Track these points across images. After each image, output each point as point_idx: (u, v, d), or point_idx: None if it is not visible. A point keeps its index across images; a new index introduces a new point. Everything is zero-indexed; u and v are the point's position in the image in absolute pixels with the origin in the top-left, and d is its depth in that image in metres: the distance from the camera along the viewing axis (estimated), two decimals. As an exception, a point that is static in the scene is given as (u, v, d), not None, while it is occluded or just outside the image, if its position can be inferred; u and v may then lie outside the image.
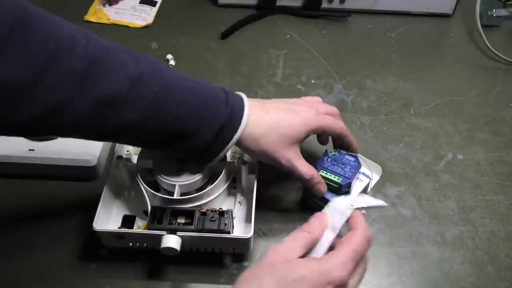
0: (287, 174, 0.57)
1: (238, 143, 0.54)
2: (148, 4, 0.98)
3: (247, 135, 0.54)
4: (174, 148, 0.54)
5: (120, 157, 0.63)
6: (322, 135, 0.64)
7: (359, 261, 0.44)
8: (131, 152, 0.66)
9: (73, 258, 0.62)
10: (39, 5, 0.46)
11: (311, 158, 0.72)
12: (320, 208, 0.64)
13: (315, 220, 0.47)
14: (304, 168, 0.57)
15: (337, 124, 0.59)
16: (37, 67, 0.41)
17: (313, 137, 0.75)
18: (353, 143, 0.62)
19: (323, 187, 0.59)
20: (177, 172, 0.60)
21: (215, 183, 0.60)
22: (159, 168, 0.60)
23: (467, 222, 0.65)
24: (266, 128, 0.54)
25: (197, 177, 0.59)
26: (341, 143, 0.62)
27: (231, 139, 0.53)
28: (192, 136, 0.52)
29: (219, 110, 0.52)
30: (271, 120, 0.55)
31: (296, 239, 0.44)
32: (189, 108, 0.50)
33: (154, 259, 0.61)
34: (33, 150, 0.68)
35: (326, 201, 0.62)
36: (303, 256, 0.44)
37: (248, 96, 0.56)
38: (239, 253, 0.61)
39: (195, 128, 0.51)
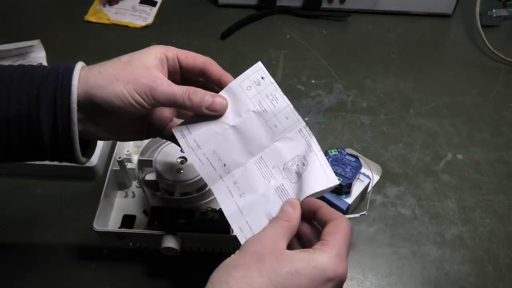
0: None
1: (89, 98, 0.42)
2: (148, 4, 0.98)
3: (89, 77, 0.43)
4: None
5: (120, 157, 0.63)
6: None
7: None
8: (131, 152, 0.67)
9: (73, 258, 0.62)
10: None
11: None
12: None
13: (289, 207, 0.43)
14: (177, 86, 0.44)
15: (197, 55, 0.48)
16: None
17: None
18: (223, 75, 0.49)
19: (220, 103, 0.46)
20: (177, 172, 0.60)
21: (215, 183, 0.60)
22: (159, 168, 0.60)
23: (467, 222, 0.65)
24: (106, 61, 0.44)
25: (197, 177, 0.59)
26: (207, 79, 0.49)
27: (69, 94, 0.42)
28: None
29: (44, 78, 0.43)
30: (108, 61, 0.45)
31: (277, 229, 0.41)
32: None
33: (154, 259, 0.61)
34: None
35: (328, 203, 0.62)
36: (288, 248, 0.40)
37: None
38: (239, 253, 0.62)
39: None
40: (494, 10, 0.92)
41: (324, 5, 0.95)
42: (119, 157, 0.63)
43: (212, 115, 0.46)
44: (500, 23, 0.94)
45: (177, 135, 0.48)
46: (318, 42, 0.91)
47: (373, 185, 0.67)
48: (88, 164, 0.67)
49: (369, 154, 0.71)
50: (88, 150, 0.48)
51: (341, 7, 0.96)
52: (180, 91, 0.44)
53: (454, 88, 0.83)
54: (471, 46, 0.91)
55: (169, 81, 0.44)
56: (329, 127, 0.77)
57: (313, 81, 0.84)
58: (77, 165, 0.47)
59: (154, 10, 0.98)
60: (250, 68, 0.48)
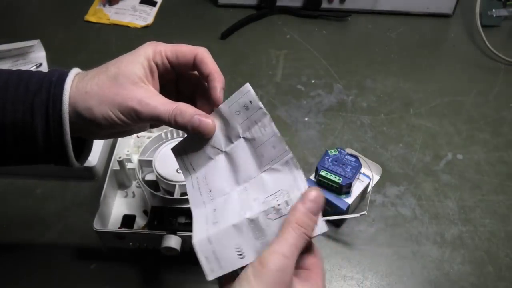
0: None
1: (76, 110, 0.42)
2: (148, 4, 0.98)
3: (78, 90, 0.43)
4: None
5: (120, 157, 0.63)
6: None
7: None
8: (131, 152, 0.67)
9: (73, 258, 0.62)
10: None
11: (312, 158, 0.72)
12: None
13: (315, 206, 0.38)
14: (164, 105, 0.43)
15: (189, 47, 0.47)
16: None
17: (315, 137, 0.75)
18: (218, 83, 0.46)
19: (206, 126, 0.44)
20: (177, 172, 0.60)
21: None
22: (159, 168, 0.60)
23: (467, 222, 0.65)
24: (94, 74, 0.44)
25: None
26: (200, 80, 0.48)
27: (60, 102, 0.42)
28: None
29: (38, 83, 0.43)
30: (99, 68, 0.45)
31: (298, 252, 0.37)
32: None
33: (154, 259, 0.61)
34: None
35: (328, 203, 0.62)
36: None
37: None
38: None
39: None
40: (494, 10, 0.92)
41: (324, 5, 0.95)
42: (119, 157, 0.63)
43: (199, 136, 0.45)
44: (500, 23, 0.94)
45: (176, 156, 0.48)
46: (318, 42, 0.91)
47: (373, 185, 0.67)
48: (88, 164, 0.67)
49: (369, 154, 0.71)
50: (83, 154, 0.48)
51: (341, 7, 0.96)
52: (166, 112, 0.43)
53: (454, 88, 0.83)
54: (471, 46, 0.91)
55: (155, 99, 0.43)
56: (329, 127, 0.77)
57: (313, 81, 0.84)
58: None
59: (154, 10, 0.98)
60: (238, 91, 0.44)
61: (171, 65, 0.46)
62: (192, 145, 0.46)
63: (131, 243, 0.60)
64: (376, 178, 0.68)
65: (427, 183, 0.70)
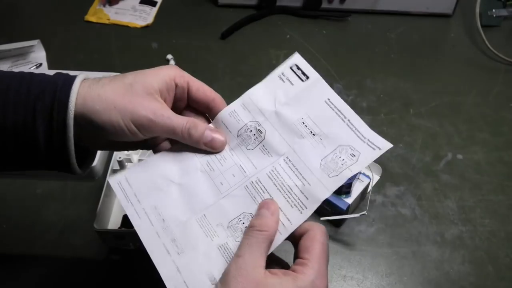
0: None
1: (83, 115, 0.41)
2: (148, 4, 0.98)
3: (86, 97, 0.41)
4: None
5: (120, 157, 0.63)
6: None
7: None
8: (131, 152, 0.67)
9: (73, 258, 0.62)
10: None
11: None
12: (322, 209, 0.64)
13: (266, 211, 0.40)
14: (177, 117, 0.43)
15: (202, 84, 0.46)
16: None
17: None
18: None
19: (218, 142, 0.45)
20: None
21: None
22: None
23: (467, 222, 0.65)
24: (109, 80, 0.43)
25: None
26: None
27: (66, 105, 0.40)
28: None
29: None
30: (113, 77, 0.44)
31: (255, 247, 0.38)
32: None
33: (154, 259, 0.61)
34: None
35: (328, 203, 0.62)
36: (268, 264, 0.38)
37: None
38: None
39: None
40: (494, 10, 0.92)
41: (324, 5, 0.95)
42: (119, 157, 0.63)
43: (210, 151, 0.45)
44: (500, 23, 0.94)
45: (115, 187, 0.45)
46: (318, 42, 0.91)
47: (373, 185, 0.67)
48: (88, 164, 0.67)
49: (369, 154, 0.71)
50: (86, 161, 0.47)
51: (341, 7, 0.96)
52: (180, 124, 0.42)
53: (454, 88, 0.83)
54: (471, 46, 0.91)
55: (169, 112, 0.43)
56: (329, 127, 0.77)
57: (313, 81, 0.84)
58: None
59: (154, 10, 0.98)
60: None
61: (189, 96, 0.46)
62: (137, 174, 0.45)
63: (131, 243, 0.60)
64: (376, 178, 0.68)
65: (427, 183, 0.70)
